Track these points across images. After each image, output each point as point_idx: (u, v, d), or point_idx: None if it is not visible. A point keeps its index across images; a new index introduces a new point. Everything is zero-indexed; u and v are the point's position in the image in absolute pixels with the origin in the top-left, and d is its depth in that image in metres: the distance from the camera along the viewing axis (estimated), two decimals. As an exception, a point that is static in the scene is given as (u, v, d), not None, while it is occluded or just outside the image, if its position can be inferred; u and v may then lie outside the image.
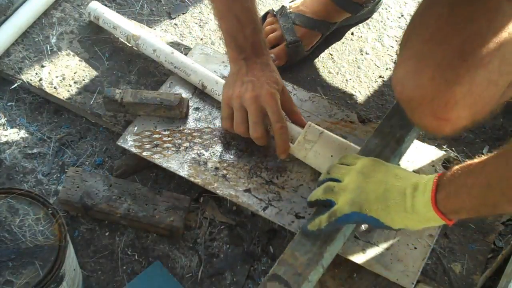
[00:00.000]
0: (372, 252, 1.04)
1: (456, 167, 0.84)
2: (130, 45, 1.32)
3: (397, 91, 0.91)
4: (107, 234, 1.12)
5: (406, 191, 0.86)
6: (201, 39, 1.40)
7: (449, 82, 0.85)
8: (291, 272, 0.92)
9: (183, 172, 1.12)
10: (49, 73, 1.28)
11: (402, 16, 1.48)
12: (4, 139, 1.22)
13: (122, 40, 1.33)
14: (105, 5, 1.43)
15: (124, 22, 1.32)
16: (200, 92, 1.24)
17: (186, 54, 1.29)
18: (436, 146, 1.20)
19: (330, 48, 1.41)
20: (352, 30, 1.45)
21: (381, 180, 0.90)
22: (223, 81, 1.17)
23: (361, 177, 0.92)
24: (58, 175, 1.19)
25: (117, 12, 1.43)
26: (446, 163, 1.16)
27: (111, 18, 1.32)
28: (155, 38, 1.29)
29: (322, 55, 1.40)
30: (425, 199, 0.84)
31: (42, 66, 1.29)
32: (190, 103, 1.22)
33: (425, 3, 0.94)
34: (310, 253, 0.94)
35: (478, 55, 0.84)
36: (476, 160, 0.83)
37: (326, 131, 1.11)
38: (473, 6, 0.86)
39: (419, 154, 1.16)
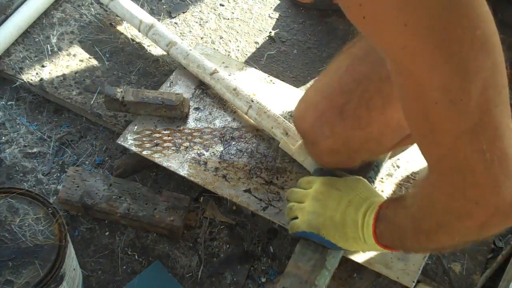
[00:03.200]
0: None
1: (390, 200, 0.87)
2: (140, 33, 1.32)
3: (293, 121, 1.00)
4: (107, 233, 1.12)
5: (359, 222, 0.89)
6: (201, 38, 1.40)
7: (324, 136, 0.91)
8: (297, 282, 0.93)
9: (183, 171, 1.12)
10: (49, 73, 1.28)
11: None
12: (4, 139, 1.22)
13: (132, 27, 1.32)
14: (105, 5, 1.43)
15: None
16: (201, 93, 1.24)
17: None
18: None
19: (329, 48, 1.41)
20: (353, 30, 1.45)
21: (335, 207, 0.92)
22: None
23: (316, 203, 0.95)
24: (58, 174, 1.19)
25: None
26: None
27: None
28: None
29: (323, 54, 1.40)
30: (369, 233, 0.86)
31: (43, 66, 1.29)
32: (190, 103, 1.22)
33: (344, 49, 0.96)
34: (312, 259, 0.95)
35: (358, 117, 0.88)
36: (406, 195, 0.84)
37: None
38: (369, 67, 0.88)
39: (418, 155, 1.15)
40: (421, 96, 0.61)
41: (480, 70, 0.58)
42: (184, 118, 1.19)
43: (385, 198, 0.91)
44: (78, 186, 1.11)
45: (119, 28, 1.39)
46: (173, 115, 1.17)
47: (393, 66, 0.64)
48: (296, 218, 0.97)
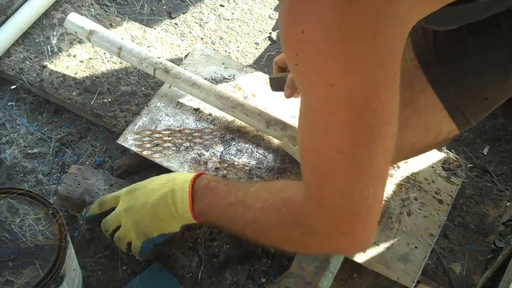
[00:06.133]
0: (373, 251, 1.04)
1: (209, 180, 0.92)
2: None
3: None
4: (107, 234, 1.12)
5: (167, 199, 0.93)
6: (201, 38, 1.41)
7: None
8: (301, 283, 0.93)
9: (184, 171, 1.12)
10: (49, 73, 1.28)
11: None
12: (4, 139, 1.22)
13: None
14: (105, 5, 1.43)
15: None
16: (201, 93, 1.24)
17: (187, 55, 1.29)
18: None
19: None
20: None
21: (143, 203, 0.96)
22: None
23: (127, 214, 0.97)
24: (58, 175, 1.19)
25: (117, 12, 1.43)
26: (446, 164, 1.16)
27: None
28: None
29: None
30: (185, 208, 0.91)
31: (43, 67, 1.29)
32: (191, 104, 1.22)
33: None
34: (316, 261, 0.95)
35: None
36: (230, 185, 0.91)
37: None
38: None
39: (418, 156, 1.16)
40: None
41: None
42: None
43: (184, 172, 0.97)
44: (79, 184, 1.11)
45: (119, 29, 1.39)
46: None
47: (307, 105, 0.69)
48: (129, 243, 0.99)
